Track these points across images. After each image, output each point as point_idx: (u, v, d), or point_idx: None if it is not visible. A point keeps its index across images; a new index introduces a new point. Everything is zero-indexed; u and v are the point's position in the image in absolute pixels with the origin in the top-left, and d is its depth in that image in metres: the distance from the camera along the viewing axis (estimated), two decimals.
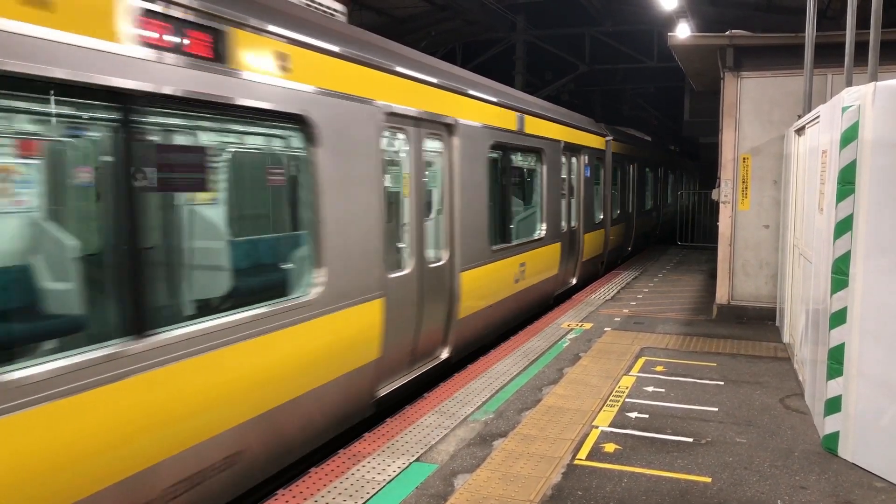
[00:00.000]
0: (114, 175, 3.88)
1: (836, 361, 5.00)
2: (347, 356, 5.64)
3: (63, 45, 3.37)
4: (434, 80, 7.09)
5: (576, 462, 4.96)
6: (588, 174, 13.03)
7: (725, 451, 5.17)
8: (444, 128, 7.38)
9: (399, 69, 6.42)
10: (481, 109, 8.21)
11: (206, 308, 5.05)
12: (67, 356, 3.44)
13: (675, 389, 6.58)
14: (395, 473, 4.79)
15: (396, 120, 6.42)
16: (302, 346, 5.06)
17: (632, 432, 5.52)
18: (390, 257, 6.38)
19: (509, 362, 7.56)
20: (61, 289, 4.74)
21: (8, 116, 4.51)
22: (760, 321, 9.43)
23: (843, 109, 4.91)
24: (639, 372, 7.15)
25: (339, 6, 6.30)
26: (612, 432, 5.52)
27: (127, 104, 3.79)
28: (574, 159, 12.18)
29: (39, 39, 3.27)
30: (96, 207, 4.93)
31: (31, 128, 4.75)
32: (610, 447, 5.22)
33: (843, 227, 4.92)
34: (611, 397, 6.35)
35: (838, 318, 4.97)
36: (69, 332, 4.48)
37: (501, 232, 9.19)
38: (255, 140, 6.29)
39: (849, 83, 5.87)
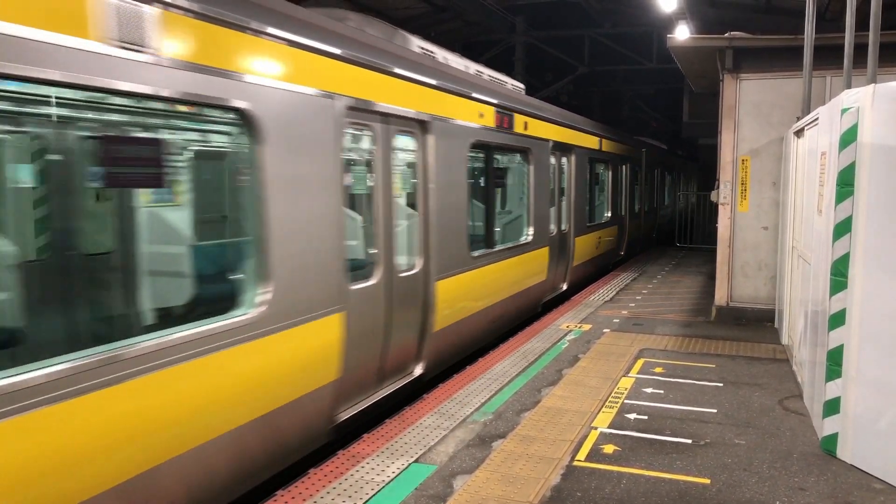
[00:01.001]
0: None
1: (834, 363, 5.00)
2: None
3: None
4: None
5: (575, 463, 4.96)
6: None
7: (724, 452, 5.17)
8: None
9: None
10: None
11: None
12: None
13: (673, 391, 6.58)
14: (394, 474, 4.78)
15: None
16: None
17: (631, 433, 5.52)
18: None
19: (508, 363, 7.56)
20: None
21: None
22: (759, 323, 9.44)
23: (843, 111, 4.92)
24: (638, 373, 7.15)
25: None
26: (611, 433, 5.52)
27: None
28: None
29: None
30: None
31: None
32: (609, 448, 5.22)
33: (842, 228, 4.93)
34: (610, 398, 6.36)
35: (837, 319, 4.97)
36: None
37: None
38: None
39: (848, 85, 5.87)
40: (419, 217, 6.94)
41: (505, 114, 8.90)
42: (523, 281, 9.72)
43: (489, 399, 6.37)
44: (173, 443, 3.94)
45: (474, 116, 7.97)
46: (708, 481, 4.69)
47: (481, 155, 8.82)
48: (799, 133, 7.55)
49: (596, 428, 5.63)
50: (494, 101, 8.64)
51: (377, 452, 5.15)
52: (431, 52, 7.10)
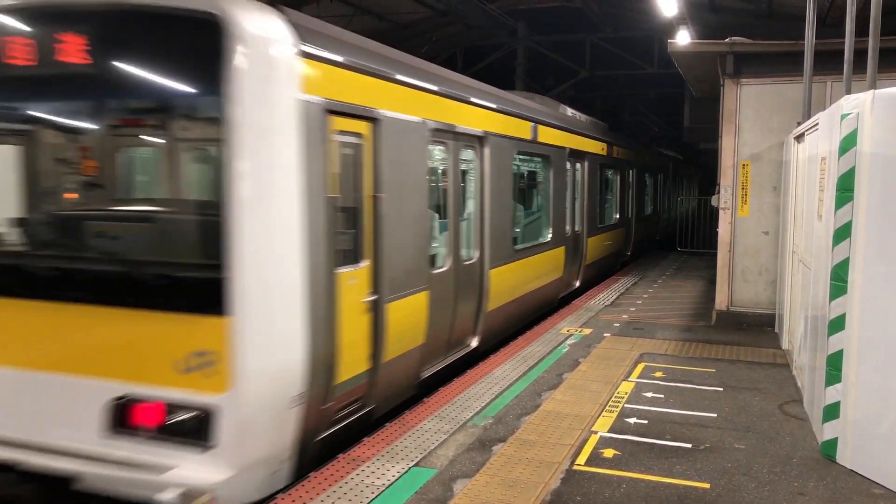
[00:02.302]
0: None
1: (834, 368, 5.01)
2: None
3: None
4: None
5: (575, 467, 4.97)
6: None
7: (724, 457, 5.18)
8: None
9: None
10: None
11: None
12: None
13: (674, 395, 6.59)
14: (394, 478, 4.79)
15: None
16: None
17: (631, 438, 5.53)
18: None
19: (508, 367, 7.57)
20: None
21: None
22: (759, 327, 9.44)
23: (842, 117, 4.94)
24: (638, 377, 7.16)
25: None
26: (611, 438, 5.53)
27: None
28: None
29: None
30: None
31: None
32: (609, 453, 5.23)
33: (842, 233, 4.94)
34: (610, 403, 6.36)
35: (837, 324, 4.98)
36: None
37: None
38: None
39: (848, 91, 5.89)
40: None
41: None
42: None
43: (490, 403, 6.38)
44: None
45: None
46: (708, 486, 4.70)
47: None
48: (799, 138, 7.57)
49: (596, 432, 5.64)
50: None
51: (377, 456, 5.16)
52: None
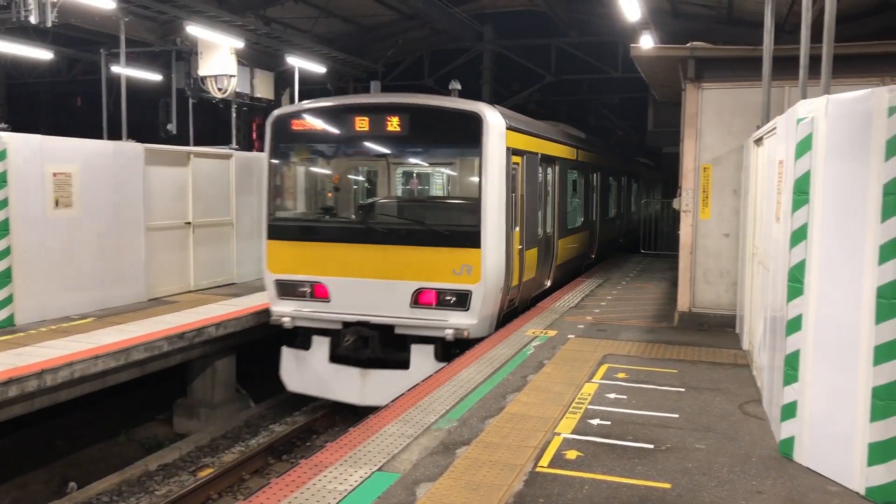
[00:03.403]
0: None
1: (791, 368, 5.09)
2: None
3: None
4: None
5: (538, 469, 4.98)
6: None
7: (685, 457, 5.24)
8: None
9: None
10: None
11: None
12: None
13: (636, 396, 6.64)
14: (356, 483, 4.76)
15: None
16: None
17: (593, 439, 5.56)
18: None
19: (474, 370, 7.57)
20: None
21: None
22: (721, 328, 9.58)
23: (798, 121, 5.03)
24: (601, 379, 7.21)
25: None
26: (574, 439, 5.56)
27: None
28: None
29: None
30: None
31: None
32: (572, 454, 5.25)
33: (799, 236, 5.03)
34: (573, 404, 6.40)
35: (794, 325, 5.07)
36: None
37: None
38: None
39: (803, 96, 6.00)
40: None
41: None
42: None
43: (454, 406, 6.37)
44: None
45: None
46: (669, 486, 4.74)
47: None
48: (758, 142, 7.69)
49: (559, 434, 5.67)
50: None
51: (340, 461, 5.11)
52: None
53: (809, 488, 4.70)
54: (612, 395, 6.66)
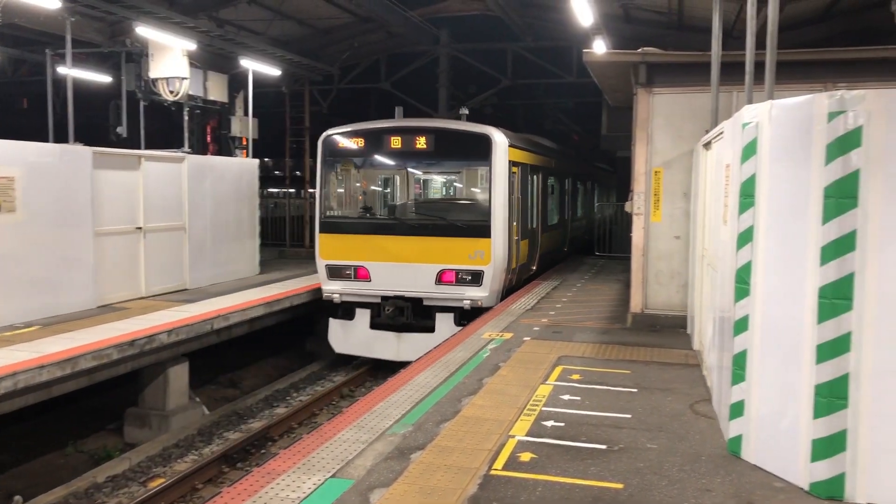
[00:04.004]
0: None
1: (739, 367, 5.20)
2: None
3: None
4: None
5: (492, 472, 4.99)
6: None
7: (637, 457, 5.30)
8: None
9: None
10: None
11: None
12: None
13: (590, 397, 6.71)
14: (309, 490, 4.71)
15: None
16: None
17: (547, 441, 5.60)
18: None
19: (430, 374, 7.56)
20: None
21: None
22: (672, 329, 9.74)
23: (743, 126, 5.14)
24: (556, 380, 7.26)
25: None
26: (528, 441, 5.59)
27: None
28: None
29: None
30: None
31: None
32: (526, 456, 5.28)
33: (745, 238, 5.14)
34: (528, 406, 6.43)
35: (741, 325, 5.18)
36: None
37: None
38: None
39: (749, 101, 6.15)
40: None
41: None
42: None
43: (410, 410, 6.35)
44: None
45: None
46: (621, 486, 4.80)
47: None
48: (707, 146, 7.85)
49: (514, 436, 5.69)
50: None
51: (293, 468, 5.05)
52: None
53: (756, 485, 4.80)
54: (567, 397, 6.71)
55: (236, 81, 16.65)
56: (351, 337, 12.40)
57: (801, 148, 4.68)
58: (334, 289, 12.33)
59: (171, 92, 14.17)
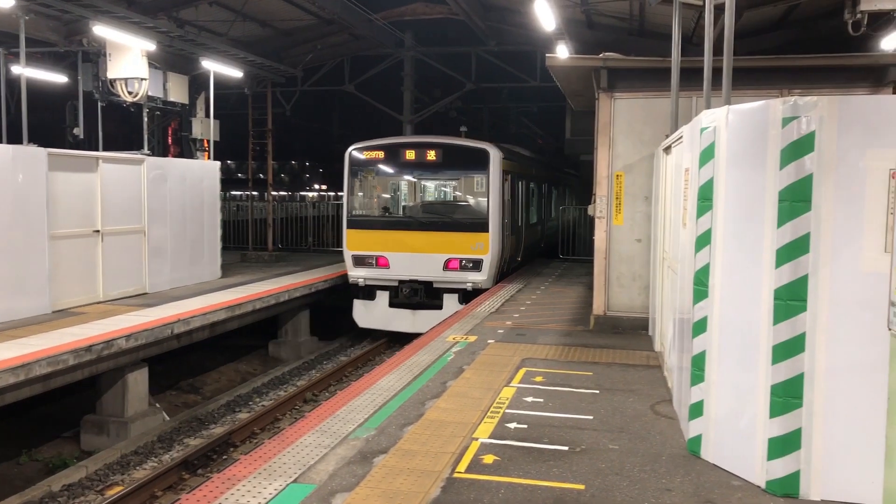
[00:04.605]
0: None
1: (698, 368, 5.28)
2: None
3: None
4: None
5: (455, 475, 4.99)
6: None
7: (599, 457, 5.35)
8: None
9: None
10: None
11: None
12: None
13: (553, 399, 6.76)
14: (270, 496, 4.65)
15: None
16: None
17: (510, 443, 5.62)
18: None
19: (394, 377, 7.54)
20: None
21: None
22: (634, 331, 9.85)
23: (701, 130, 5.23)
24: (519, 383, 7.29)
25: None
26: (491, 444, 5.60)
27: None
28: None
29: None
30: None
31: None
32: (489, 459, 5.29)
33: (703, 240, 5.23)
34: (491, 409, 6.45)
35: (700, 326, 5.26)
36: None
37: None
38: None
39: (707, 106, 6.25)
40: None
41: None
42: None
43: (373, 414, 6.32)
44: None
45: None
46: (583, 487, 4.83)
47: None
48: (667, 150, 7.97)
49: (477, 439, 5.70)
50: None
51: (254, 474, 4.99)
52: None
53: (715, 483, 4.87)
54: (530, 399, 6.75)
55: (197, 83, 16.43)
56: (372, 314, 14.70)
57: (756, 152, 4.78)
58: (359, 274, 14.59)
59: (130, 93, 13.92)
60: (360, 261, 14.56)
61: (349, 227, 14.76)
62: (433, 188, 16.54)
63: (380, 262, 14.42)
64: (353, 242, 14.67)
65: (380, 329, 14.82)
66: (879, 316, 4.29)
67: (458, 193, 15.93)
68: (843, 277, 4.54)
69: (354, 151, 14.98)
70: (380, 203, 15.80)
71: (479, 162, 14.40)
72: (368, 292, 14.61)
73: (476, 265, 14.02)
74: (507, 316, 11.11)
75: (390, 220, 15.05)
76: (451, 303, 14.12)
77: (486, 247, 14.05)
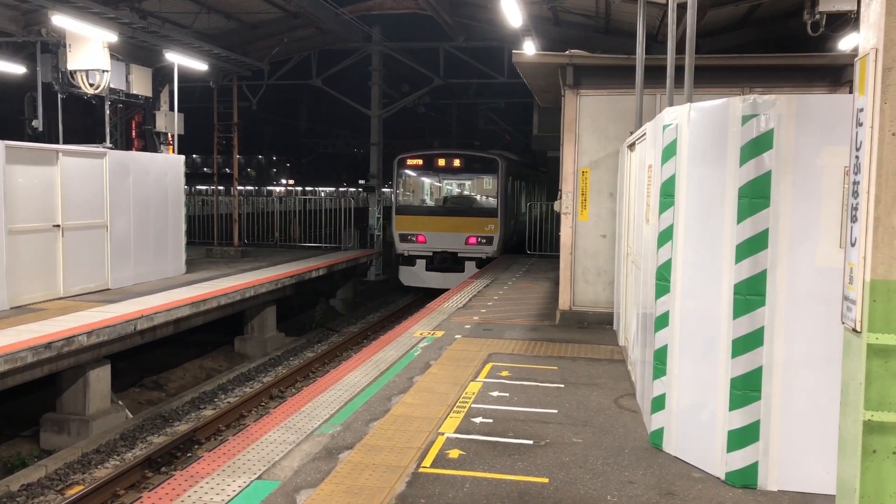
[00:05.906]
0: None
1: (660, 362, 5.36)
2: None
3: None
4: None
5: (420, 470, 5.00)
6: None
7: (562, 451, 5.40)
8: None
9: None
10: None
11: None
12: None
13: (518, 393, 6.80)
14: (234, 493, 4.62)
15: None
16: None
17: (476, 437, 5.65)
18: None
19: (360, 373, 7.53)
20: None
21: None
22: (599, 325, 9.96)
23: (664, 128, 5.30)
24: (485, 377, 7.33)
25: None
26: (457, 438, 5.62)
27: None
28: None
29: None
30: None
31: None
32: (454, 453, 5.31)
33: (665, 236, 5.30)
34: (457, 403, 6.47)
35: (662, 321, 5.34)
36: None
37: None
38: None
39: (670, 103, 6.34)
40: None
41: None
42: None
43: (339, 410, 6.31)
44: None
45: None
46: (546, 480, 4.88)
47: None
48: (632, 147, 8.06)
49: (443, 433, 5.72)
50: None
51: (217, 471, 4.95)
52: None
53: (676, 475, 4.96)
54: (496, 393, 6.79)
55: (161, 75, 16.17)
56: (414, 276, 19.63)
57: (717, 149, 4.86)
58: (405, 247, 19.67)
59: (91, 85, 13.65)
60: (404, 238, 19.73)
61: (397, 213, 20.02)
62: (457, 186, 21.53)
63: (419, 239, 19.56)
64: (401, 224, 19.85)
65: (418, 286, 19.83)
66: (834, 310, 4.38)
67: (475, 190, 20.99)
68: (800, 272, 4.64)
69: (401, 158, 20.40)
70: (418, 196, 20.95)
71: (491, 168, 19.82)
72: (410, 260, 19.63)
73: (489, 241, 19.24)
74: (474, 311, 11.15)
75: (427, 208, 20.36)
76: (470, 267, 18.92)
77: (496, 228, 19.28)
